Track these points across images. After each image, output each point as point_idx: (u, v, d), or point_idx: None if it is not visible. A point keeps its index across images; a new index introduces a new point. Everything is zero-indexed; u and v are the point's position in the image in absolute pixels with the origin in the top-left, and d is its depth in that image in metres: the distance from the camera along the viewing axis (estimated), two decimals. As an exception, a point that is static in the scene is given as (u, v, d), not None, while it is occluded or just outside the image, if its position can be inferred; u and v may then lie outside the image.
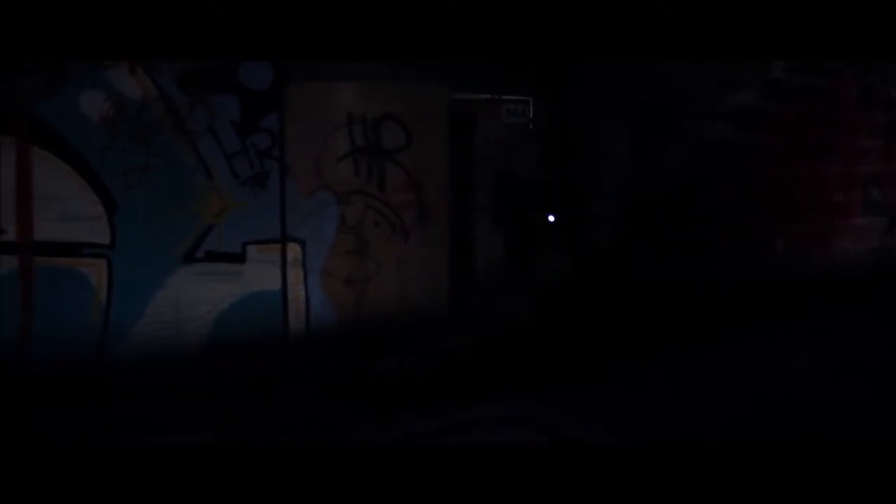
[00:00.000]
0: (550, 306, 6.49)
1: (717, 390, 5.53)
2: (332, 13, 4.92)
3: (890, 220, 9.68)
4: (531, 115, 6.85)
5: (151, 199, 5.35)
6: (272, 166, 5.74)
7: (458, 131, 6.51)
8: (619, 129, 6.60)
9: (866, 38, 4.41)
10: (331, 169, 5.97)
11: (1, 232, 4.97)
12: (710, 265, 6.78)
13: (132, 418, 4.91)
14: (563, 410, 4.93)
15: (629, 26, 4.09)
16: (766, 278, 7.35)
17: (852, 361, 6.27)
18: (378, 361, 5.92)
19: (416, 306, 6.30)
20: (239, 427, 4.86)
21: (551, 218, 5.65)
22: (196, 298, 5.53)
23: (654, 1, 3.99)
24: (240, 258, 5.66)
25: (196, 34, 4.86)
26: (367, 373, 5.81)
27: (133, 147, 5.29)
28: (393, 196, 6.21)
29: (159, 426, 4.77)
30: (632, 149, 6.40)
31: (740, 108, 7.34)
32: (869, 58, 8.10)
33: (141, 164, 5.32)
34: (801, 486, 3.16)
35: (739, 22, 3.85)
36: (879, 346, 6.74)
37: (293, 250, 5.87)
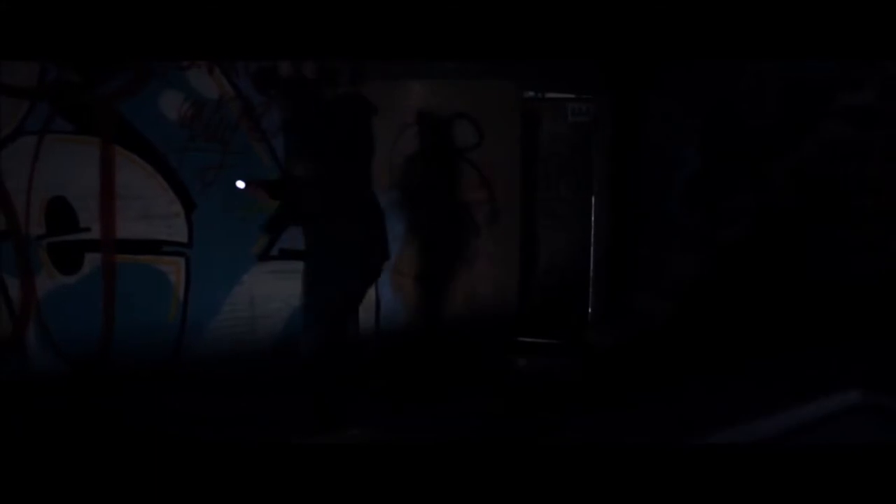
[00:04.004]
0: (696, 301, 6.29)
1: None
2: (404, 12, 4.93)
3: None
4: (596, 115, 6.79)
5: (228, 197, 5.42)
6: (345, 165, 5.77)
7: (526, 130, 6.49)
8: (742, 127, 6.44)
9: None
10: (401, 167, 5.99)
11: (85, 230, 5.09)
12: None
13: (208, 414, 4.96)
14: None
15: (718, 24, 3.99)
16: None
17: None
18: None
19: (487, 304, 6.28)
20: (308, 425, 4.88)
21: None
22: (270, 295, 5.60)
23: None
24: (313, 256, 5.70)
25: (271, 35, 4.91)
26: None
27: (210, 146, 5.38)
28: (464, 194, 6.21)
29: (233, 422, 4.81)
30: (761, 148, 6.24)
31: (858, 107, 7.10)
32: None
33: (217, 163, 5.41)
34: None
35: (842, 19, 3.73)
36: None
37: (364, 248, 5.89)
